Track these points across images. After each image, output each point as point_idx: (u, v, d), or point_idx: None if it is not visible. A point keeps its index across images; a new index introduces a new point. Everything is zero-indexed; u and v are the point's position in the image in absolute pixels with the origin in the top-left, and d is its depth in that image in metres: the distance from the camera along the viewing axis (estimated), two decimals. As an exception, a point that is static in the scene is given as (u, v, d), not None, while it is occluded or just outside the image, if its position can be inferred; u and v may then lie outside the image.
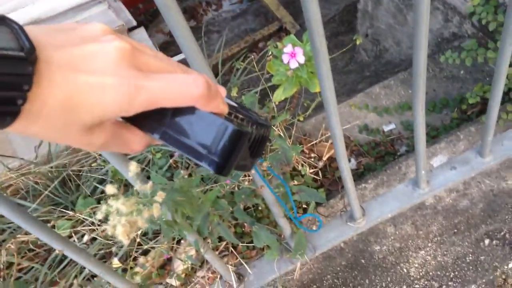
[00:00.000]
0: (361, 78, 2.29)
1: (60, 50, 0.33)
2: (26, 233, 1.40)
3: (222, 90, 0.44)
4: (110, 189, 0.50)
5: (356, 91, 2.10)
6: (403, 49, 2.27)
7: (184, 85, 0.37)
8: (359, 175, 1.68)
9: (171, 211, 0.78)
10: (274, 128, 1.33)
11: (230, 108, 0.41)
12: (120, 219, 0.47)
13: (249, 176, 1.02)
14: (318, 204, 1.45)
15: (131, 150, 0.42)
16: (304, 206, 1.45)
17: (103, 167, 1.41)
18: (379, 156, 1.71)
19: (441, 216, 1.49)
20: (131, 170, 0.54)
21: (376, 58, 2.45)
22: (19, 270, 1.40)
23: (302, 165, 1.42)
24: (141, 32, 2.79)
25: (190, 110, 0.38)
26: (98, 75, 0.34)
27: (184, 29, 0.59)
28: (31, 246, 1.42)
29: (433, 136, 1.69)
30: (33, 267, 1.39)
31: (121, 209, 0.49)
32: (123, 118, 0.39)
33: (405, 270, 1.45)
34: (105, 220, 1.20)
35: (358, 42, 1.64)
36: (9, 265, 1.42)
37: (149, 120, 0.39)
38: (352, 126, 1.77)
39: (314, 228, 1.41)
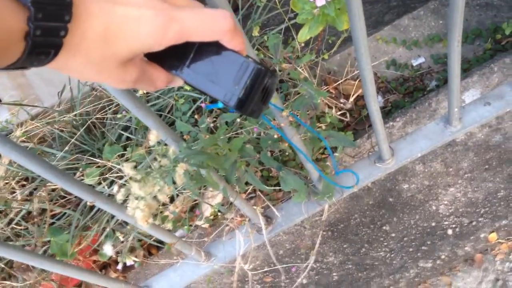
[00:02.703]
0: (388, 8, 2.18)
1: None
2: (57, 181, 1.43)
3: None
4: (127, 168, 0.48)
5: (382, 23, 2.00)
6: (433, -25, 2.13)
7: (213, 17, 0.38)
8: (386, 113, 1.63)
9: (197, 170, 0.77)
10: (299, 69, 1.28)
11: None
12: (139, 203, 0.46)
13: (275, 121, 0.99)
14: (344, 145, 1.42)
15: (156, 87, 0.44)
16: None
17: (125, 115, 1.41)
18: (408, 92, 1.65)
19: (472, 152, 1.45)
20: (151, 139, 0.52)
21: (404, -14, 2.31)
22: (52, 216, 1.44)
23: (328, 106, 1.38)
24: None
25: (212, 48, 0.40)
26: (134, 7, 0.35)
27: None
28: (62, 193, 1.46)
29: (465, 69, 1.61)
30: (65, 213, 1.43)
31: (139, 194, 0.47)
32: (147, 57, 0.42)
33: (434, 208, 1.44)
34: (133, 168, 1.18)
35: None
36: (42, 211, 1.46)
37: (171, 58, 0.41)
38: (379, 62, 1.70)
39: (340, 168, 1.40)
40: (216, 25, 0.38)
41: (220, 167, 0.87)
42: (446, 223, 1.43)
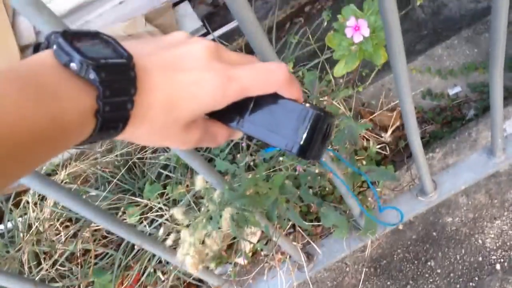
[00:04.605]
0: (419, 37, 2.17)
1: (153, 56, 0.35)
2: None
3: None
4: (177, 214, 0.49)
5: (414, 52, 1.99)
6: (463, 3, 2.12)
7: (269, 71, 0.38)
8: (424, 144, 1.60)
9: (239, 215, 0.77)
10: (335, 103, 1.29)
11: None
12: (189, 250, 0.46)
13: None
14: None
15: (217, 143, 0.43)
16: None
17: (163, 154, 1.43)
18: (446, 122, 1.62)
19: (517, 182, 1.40)
20: (198, 185, 0.53)
21: (434, 15, 2.31)
22: (95, 257, 1.46)
23: (366, 139, 1.37)
24: (186, 6, 2.75)
25: (269, 99, 0.40)
26: (193, 72, 0.36)
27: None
28: (104, 233, 1.48)
29: (505, 97, 1.58)
30: (107, 253, 1.45)
31: (189, 240, 0.48)
32: (207, 114, 0.41)
33: (480, 241, 1.39)
34: (173, 205, 1.19)
35: (418, 3, 1.53)
36: (85, 252, 1.48)
37: (231, 113, 0.41)
38: (414, 93, 1.68)
39: (381, 202, 1.37)
40: (273, 77, 0.38)
41: (261, 206, 0.87)
42: (494, 257, 1.37)
